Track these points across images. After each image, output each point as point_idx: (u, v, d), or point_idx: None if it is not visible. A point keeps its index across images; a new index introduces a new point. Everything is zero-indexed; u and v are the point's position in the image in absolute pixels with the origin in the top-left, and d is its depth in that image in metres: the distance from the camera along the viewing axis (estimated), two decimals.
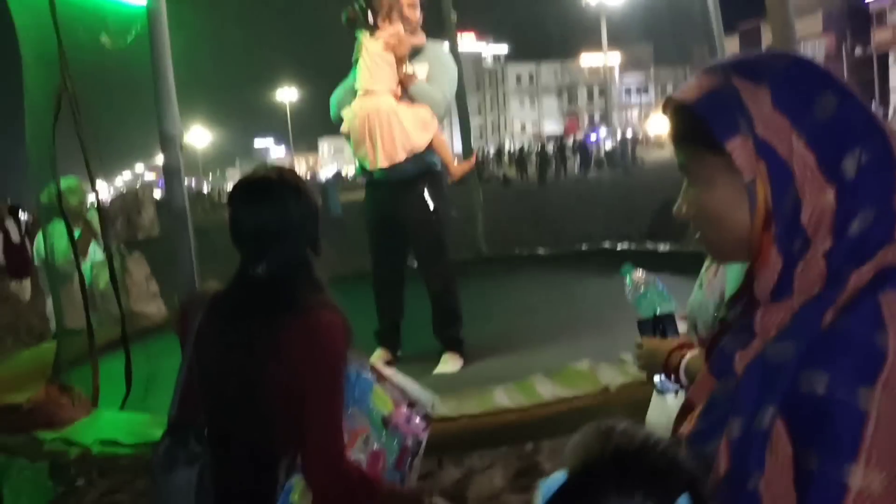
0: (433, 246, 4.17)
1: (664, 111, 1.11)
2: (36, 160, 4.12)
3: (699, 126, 0.98)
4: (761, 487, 0.92)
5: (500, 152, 53.01)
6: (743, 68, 0.98)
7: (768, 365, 0.97)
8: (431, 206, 4.07)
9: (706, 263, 1.87)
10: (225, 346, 1.88)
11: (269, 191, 1.87)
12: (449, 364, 4.02)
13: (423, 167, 4.08)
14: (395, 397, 2.05)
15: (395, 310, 4.30)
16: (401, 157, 3.96)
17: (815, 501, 0.87)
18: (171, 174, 3.01)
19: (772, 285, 0.96)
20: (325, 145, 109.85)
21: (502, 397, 2.71)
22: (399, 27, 4.09)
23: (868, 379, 0.85)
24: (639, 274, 1.96)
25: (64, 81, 3.33)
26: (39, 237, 4.66)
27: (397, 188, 4.09)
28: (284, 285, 1.86)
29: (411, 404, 2.07)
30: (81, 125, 3.38)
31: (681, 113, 1.04)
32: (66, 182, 4.45)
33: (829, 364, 0.88)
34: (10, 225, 12.46)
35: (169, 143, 3.00)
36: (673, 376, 1.74)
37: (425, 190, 4.07)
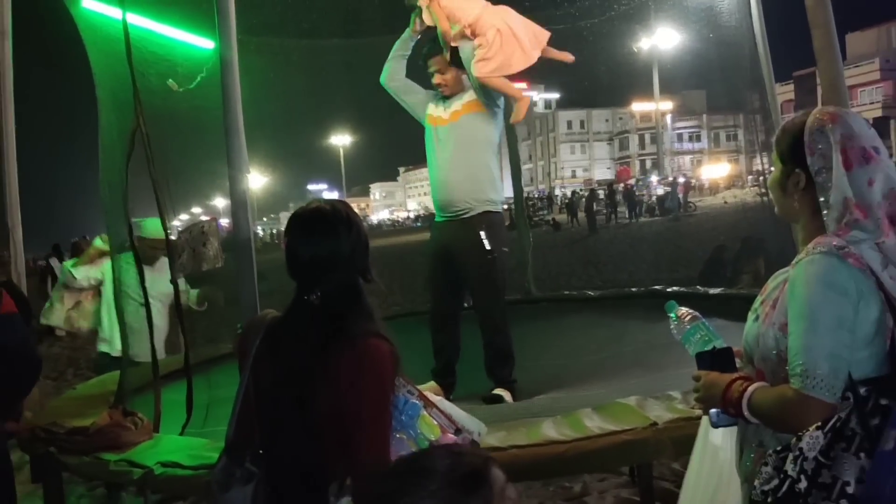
0: (488, 285, 4.22)
1: None
2: (108, 198, 4.33)
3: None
4: None
5: (550, 198, 53.01)
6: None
7: None
8: (488, 246, 4.13)
9: (760, 296, 1.86)
10: (279, 370, 1.95)
11: (322, 222, 1.97)
12: (501, 394, 4.03)
13: (482, 206, 4.20)
14: (442, 424, 2.10)
15: (451, 349, 4.34)
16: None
17: None
18: (238, 207, 3.17)
19: None
20: (377, 191, 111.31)
21: (550, 429, 2.75)
22: None
23: None
24: (683, 311, 2.01)
25: (138, 121, 3.50)
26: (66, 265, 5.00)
27: (457, 227, 4.22)
28: (336, 312, 1.93)
29: (458, 431, 2.12)
30: (154, 164, 3.55)
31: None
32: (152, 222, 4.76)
33: None
34: (54, 262, 13.24)
35: (237, 176, 3.16)
36: (732, 409, 1.73)
37: (483, 229, 4.15)
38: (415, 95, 4.55)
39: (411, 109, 4.57)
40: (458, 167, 4.25)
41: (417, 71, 4.60)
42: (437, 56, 4.34)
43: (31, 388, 3.31)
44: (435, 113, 4.41)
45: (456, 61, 4.32)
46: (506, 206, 4.78)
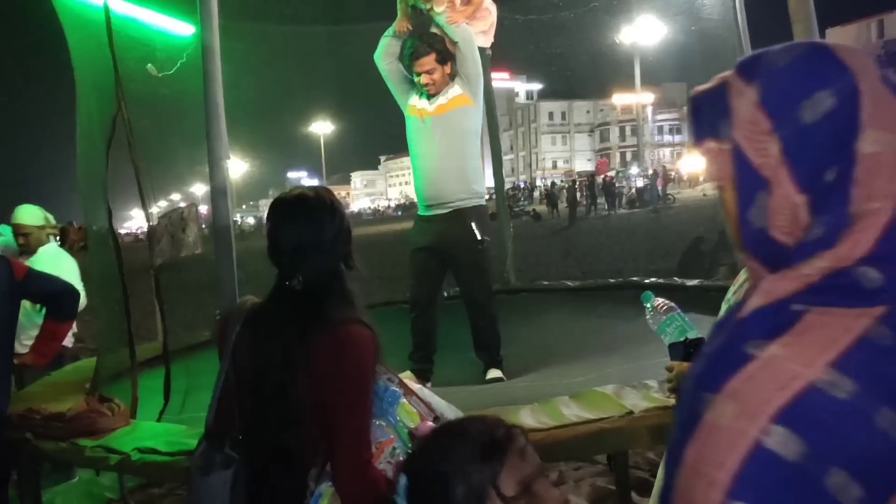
0: (479, 273, 4.35)
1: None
2: (86, 182, 4.29)
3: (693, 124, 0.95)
4: None
5: (531, 189, 53.11)
6: (746, 63, 0.90)
7: None
8: (479, 236, 4.25)
9: (734, 286, 1.88)
10: (260, 355, 1.95)
11: (305, 207, 1.97)
12: (495, 374, 4.22)
13: (472, 199, 4.31)
14: (421, 411, 2.11)
15: (431, 337, 4.42)
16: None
17: (673, 437, 0.82)
18: (217, 193, 3.16)
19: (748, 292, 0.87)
20: (358, 179, 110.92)
21: (527, 417, 2.76)
22: None
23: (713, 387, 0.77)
24: (659, 301, 2.03)
25: (119, 105, 3.47)
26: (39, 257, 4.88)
27: (447, 220, 4.30)
28: (317, 299, 1.93)
29: (437, 419, 2.14)
30: (135, 149, 3.52)
31: (690, 110, 0.99)
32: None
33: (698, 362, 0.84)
34: None
35: (217, 163, 3.15)
36: None
37: (473, 220, 4.26)
38: (401, 85, 4.54)
39: (394, 94, 4.58)
40: (447, 161, 4.29)
41: None
42: (424, 57, 4.29)
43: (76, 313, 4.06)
44: (419, 105, 4.41)
45: (444, 58, 4.32)
46: (487, 197, 4.82)
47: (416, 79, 4.37)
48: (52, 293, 3.72)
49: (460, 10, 4.45)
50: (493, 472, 1.24)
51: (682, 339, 1.91)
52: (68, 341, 5.08)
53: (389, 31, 4.54)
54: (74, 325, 5.09)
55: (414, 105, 4.43)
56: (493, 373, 4.23)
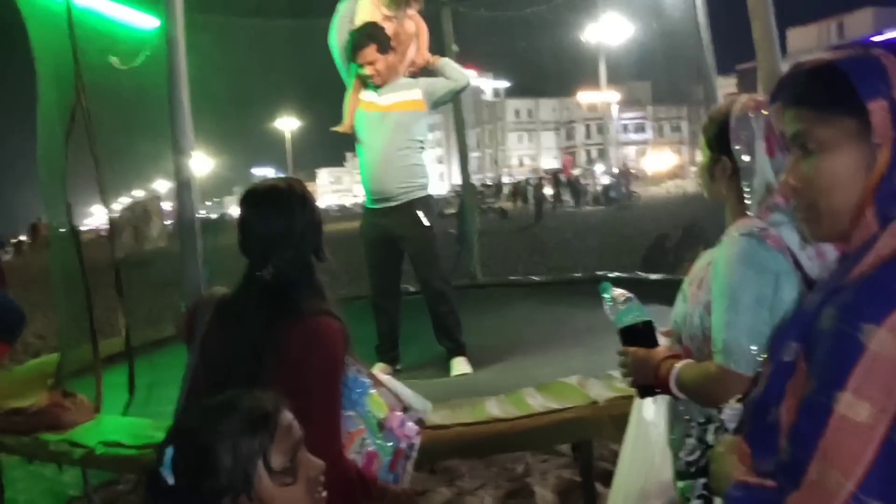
0: (429, 258, 4.43)
1: (778, 85, 1.13)
2: (47, 176, 4.23)
3: (834, 88, 1.01)
4: (782, 415, 0.99)
5: (498, 186, 53.29)
6: (875, 44, 1.01)
7: (803, 311, 1.05)
8: (426, 223, 4.34)
9: (688, 277, 1.92)
10: (229, 346, 1.95)
11: (277, 198, 1.97)
12: (460, 367, 4.26)
13: (415, 191, 4.37)
14: (390, 402, 2.14)
15: (394, 325, 4.50)
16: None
17: (802, 422, 0.94)
18: (182, 186, 3.14)
19: (861, 244, 1.00)
20: (324, 175, 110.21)
21: (494, 408, 2.80)
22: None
23: (875, 318, 0.89)
24: (617, 292, 2.05)
25: (78, 96, 3.43)
26: None
27: (394, 211, 4.35)
28: (287, 290, 1.93)
29: (405, 409, 2.16)
30: (95, 141, 3.48)
31: (811, 77, 1.05)
32: None
33: (841, 301, 0.94)
34: None
35: (182, 156, 3.13)
36: (662, 387, 1.79)
37: (419, 209, 4.35)
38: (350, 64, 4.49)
39: (343, 75, 4.56)
40: (393, 156, 4.33)
41: None
42: (365, 49, 4.26)
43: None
44: (367, 98, 4.42)
45: (386, 48, 4.30)
46: (454, 194, 4.90)
47: (360, 71, 4.34)
48: (5, 313, 3.56)
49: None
50: (262, 446, 1.27)
51: (636, 323, 1.94)
52: None
53: (340, 6, 4.54)
54: None
55: (363, 98, 4.43)
56: (459, 365, 4.27)
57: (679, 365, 1.77)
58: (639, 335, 1.92)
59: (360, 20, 4.44)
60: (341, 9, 4.55)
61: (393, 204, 4.37)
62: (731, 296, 1.67)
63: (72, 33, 3.49)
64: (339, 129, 4.55)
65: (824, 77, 1.03)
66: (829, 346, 0.93)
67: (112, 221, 3.61)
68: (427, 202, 4.46)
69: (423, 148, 4.50)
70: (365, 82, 4.40)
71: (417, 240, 4.40)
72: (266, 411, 1.32)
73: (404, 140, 4.34)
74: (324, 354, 1.89)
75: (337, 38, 4.50)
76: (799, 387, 0.98)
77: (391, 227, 4.39)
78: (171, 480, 1.23)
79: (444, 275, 4.54)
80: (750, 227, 1.71)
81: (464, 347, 4.36)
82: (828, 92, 1.02)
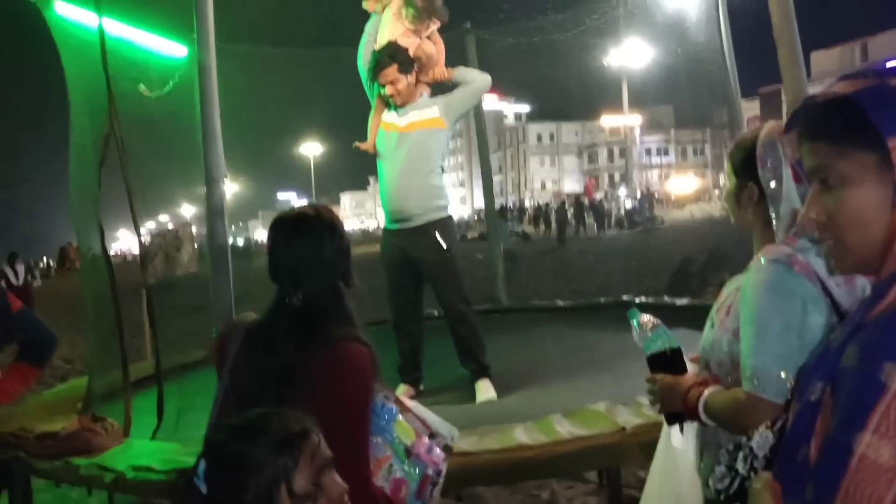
0: (449, 280, 4.42)
1: (792, 116, 1.10)
2: (78, 202, 4.30)
3: (853, 122, 0.97)
4: (811, 454, 0.97)
5: (520, 209, 53.28)
6: (890, 71, 0.97)
7: (829, 347, 1.03)
8: (444, 245, 4.35)
9: (716, 303, 1.91)
10: (259, 372, 1.97)
11: (306, 226, 1.99)
12: (485, 392, 4.22)
13: (434, 212, 4.39)
14: (417, 428, 2.13)
15: (416, 346, 4.52)
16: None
17: (825, 461, 0.93)
18: (214, 212, 3.18)
19: (889, 277, 0.98)
20: (347, 199, 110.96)
21: (521, 434, 2.79)
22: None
23: None
24: (645, 318, 2.05)
25: (112, 124, 3.49)
26: None
27: (413, 233, 4.38)
28: (316, 316, 1.94)
29: (432, 435, 2.16)
30: (127, 168, 3.53)
31: (827, 111, 1.01)
32: None
33: (864, 339, 0.93)
34: (7, 270, 13.61)
35: (213, 183, 3.17)
36: (692, 414, 1.78)
37: (438, 231, 4.36)
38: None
39: (369, 94, 4.62)
40: (412, 177, 4.36)
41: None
42: (387, 69, 4.32)
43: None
44: (388, 119, 4.47)
45: (407, 68, 4.35)
46: (476, 217, 4.92)
47: (381, 91, 4.41)
48: (37, 337, 3.59)
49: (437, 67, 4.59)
50: (286, 469, 1.30)
51: (664, 350, 1.93)
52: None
53: (367, 26, 4.62)
54: None
55: (384, 119, 4.48)
56: (484, 389, 4.24)
57: (708, 391, 1.76)
58: (667, 362, 1.91)
59: (382, 37, 4.51)
60: (368, 28, 4.63)
61: (411, 225, 4.38)
62: (760, 322, 1.66)
63: (104, 62, 3.55)
64: (361, 146, 4.59)
65: (840, 111, 0.99)
66: (851, 384, 0.92)
67: (144, 247, 3.64)
68: (446, 224, 4.46)
69: (443, 170, 4.53)
70: (387, 102, 4.45)
71: (435, 263, 4.40)
72: (293, 434, 1.35)
73: (423, 161, 4.36)
74: (353, 381, 1.90)
75: (363, 59, 4.58)
76: (825, 425, 0.97)
77: (409, 248, 4.42)
78: (204, 490, 1.30)
79: (465, 297, 4.51)
80: (777, 253, 1.70)
81: (488, 370, 4.34)
82: (845, 127, 0.99)
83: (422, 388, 4.42)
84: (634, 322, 2.03)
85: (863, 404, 0.89)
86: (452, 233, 4.54)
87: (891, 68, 0.98)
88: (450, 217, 4.57)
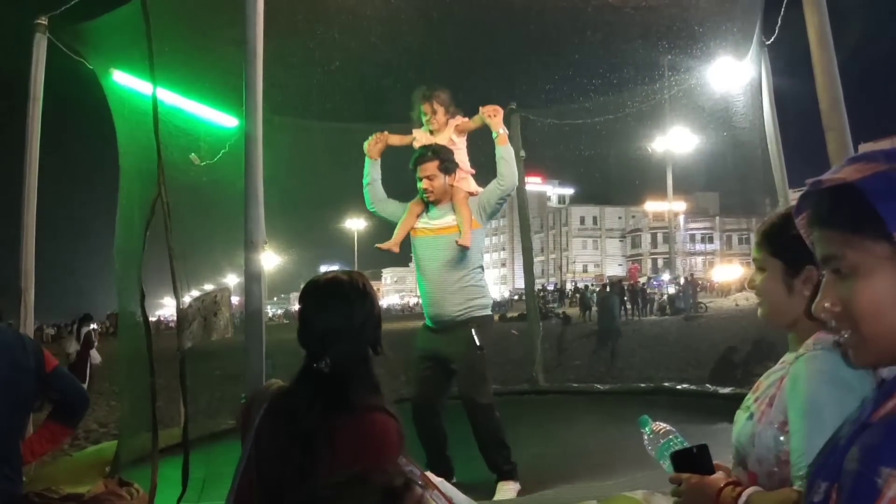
0: (478, 378, 4.32)
1: (801, 199, 1.04)
2: (122, 267, 4.37)
3: (859, 212, 0.92)
4: None
5: (561, 291, 53.00)
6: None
7: (837, 445, 1.00)
8: (478, 342, 4.27)
9: (753, 393, 1.78)
10: (283, 439, 1.94)
11: (337, 290, 1.98)
12: (504, 492, 4.10)
13: (474, 311, 4.37)
14: None
15: (440, 438, 4.40)
16: None
17: None
18: (252, 279, 3.18)
19: None
20: (389, 275, 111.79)
21: None
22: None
23: (895, 462, 0.84)
24: (658, 425, 1.94)
25: (160, 189, 3.56)
26: None
27: (450, 331, 4.36)
28: (343, 382, 1.92)
29: None
30: (171, 233, 3.58)
31: (835, 197, 0.96)
32: None
33: (866, 441, 0.89)
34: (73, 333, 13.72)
35: (252, 248, 3.18)
36: None
37: (474, 328, 4.31)
38: (391, 206, 4.68)
39: (392, 218, 4.67)
40: (448, 284, 4.37)
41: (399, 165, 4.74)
42: (428, 163, 4.41)
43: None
44: (420, 224, 4.52)
45: (448, 169, 4.42)
46: (517, 297, 4.87)
47: (418, 183, 4.46)
48: (69, 397, 3.54)
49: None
50: None
51: (691, 447, 1.79)
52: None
53: (365, 181, 4.72)
54: None
55: (417, 226, 4.53)
56: (503, 491, 4.11)
57: (749, 492, 1.59)
58: (693, 461, 1.74)
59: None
60: (366, 180, 4.71)
61: (450, 324, 4.37)
62: (815, 415, 1.53)
63: (156, 130, 3.66)
64: (383, 246, 4.58)
65: (848, 199, 0.93)
66: (850, 487, 0.88)
67: (181, 312, 3.66)
68: (483, 322, 4.42)
69: (481, 268, 4.53)
70: (421, 198, 4.49)
71: (465, 360, 4.32)
72: (395, 487, 1.30)
73: (460, 261, 4.37)
74: (376, 451, 1.84)
75: (376, 207, 4.70)
76: None
77: (443, 344, 4.39)
78: None
79: (490, 397, 4.40)
80: (831, 339, 1.58)
81: (510, 471, 4.22)
82: (854, 216, 0.93)
83: (454, 480, 4.25)
84: (647, 430, 1.92)
85: None
86: (489, 331, 4.48)
87: None
88: (489, 316, 4.54)
